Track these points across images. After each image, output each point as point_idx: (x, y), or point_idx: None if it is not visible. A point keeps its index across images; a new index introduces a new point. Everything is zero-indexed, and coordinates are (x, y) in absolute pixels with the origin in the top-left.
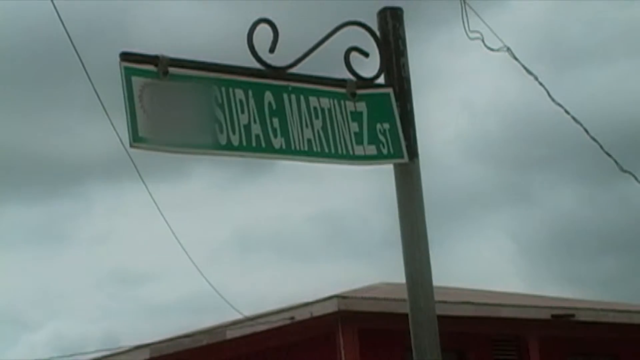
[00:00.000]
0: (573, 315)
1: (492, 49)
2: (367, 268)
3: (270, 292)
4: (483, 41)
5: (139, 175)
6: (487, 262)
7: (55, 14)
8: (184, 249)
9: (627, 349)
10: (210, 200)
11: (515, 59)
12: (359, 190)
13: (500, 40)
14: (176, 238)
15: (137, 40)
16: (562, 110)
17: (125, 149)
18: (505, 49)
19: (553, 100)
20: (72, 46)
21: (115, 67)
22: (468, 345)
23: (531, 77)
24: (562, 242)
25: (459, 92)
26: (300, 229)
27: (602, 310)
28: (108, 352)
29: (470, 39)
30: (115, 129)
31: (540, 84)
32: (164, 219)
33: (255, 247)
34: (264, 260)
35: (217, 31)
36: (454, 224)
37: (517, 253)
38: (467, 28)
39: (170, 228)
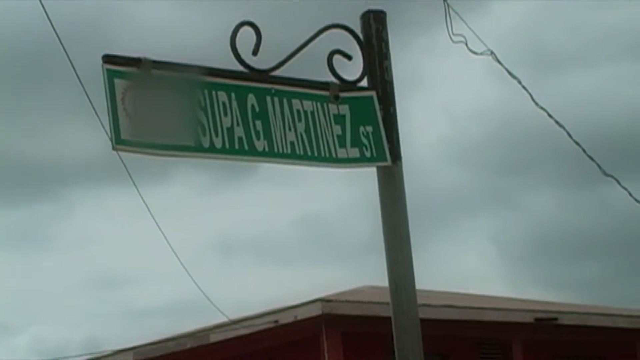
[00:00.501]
0: (556, 319)
1: (475, 53)
2: (350, 272)
3: (253, 295)
4: (466, 45)
5: (130, 177)
6: (468, 266)
7: (37, 16)
8: (174, 252)
9: (610, 352)
10: (193, 203)
11: (499, 62)
12: (342, 193)
13: (484, 43)
14: (166, 240)
15: (118, 43)
16: (543, 115)
17: (117, 153)
18: (488, 52)
19: (536, 103)
20: (63, 48)
21: (96, 70)
22: (452, 348)
23: (512, 82)
24: (544, 246)
25: (440, 96)
26: (283, 233)
27: (585, 313)
28: (91, 356)
29: (454, 42)
30: (105, 130)
31: (524, 87)
32: (155, 221)
33: (238, 250)
34: (246, 263)
35: (200, 34)
36: (436, 228)
37: (498, 257)
38: (450, 31)
39: (160, 230)
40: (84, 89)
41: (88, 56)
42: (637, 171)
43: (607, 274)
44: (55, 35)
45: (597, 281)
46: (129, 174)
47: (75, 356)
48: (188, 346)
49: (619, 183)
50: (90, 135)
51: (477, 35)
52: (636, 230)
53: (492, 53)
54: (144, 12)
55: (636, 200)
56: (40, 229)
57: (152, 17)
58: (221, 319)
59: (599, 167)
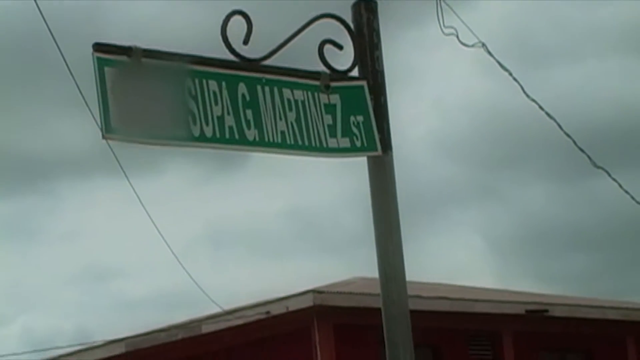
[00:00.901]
0: (547, 311)
1: (466, 45)
2: (341, 264)
3: (245, 287)
4: (458, 37)
5: (120, 167)
6: (458, 258)
7: (27, 8)
8: (166, 242)
9: (600, 343)
10: (184, 195)
11: (490, 54)
12: (333, 186)
13: (476, 36)
14: (159, 232)
15: (109, 34)
16: (533, 108)
17: (108, 144)
18: (480, 44)
19: (528, 96)
20: (54, 41)
21: (85, 61)
22: (443, 340)
23: (503, 75)
24: (534, 239)
25: (430, 88)
26: (273, 225)
27: (576, 305)
28: (83, 347)
29: (445, 34)
30: (95, 119)
31: (515, 79)
32: (146, 212)
33: (229, 242)
34: (237, 255)
35: (191, 22)
36: (425, 221)
37: (488, 250)
38: (442, 24)
39: (152, 221)
40: (74, 79)
41: (78, 47)
42: (626, 164)
43: (597, 267)
44: (45, 26)
45: (587, 274)
46: (119, 163)
47: (66, 347)
48: (180, 337)
49: (609, 175)
50: (80, 127)
51: (468, 28)
52: (626, 223)
53: (483, 45)
54: (135, 2)
55: (626, 191)
56: (31, 220)
57: (142, 5)
58: (213, 310)
59: (590, 159)
